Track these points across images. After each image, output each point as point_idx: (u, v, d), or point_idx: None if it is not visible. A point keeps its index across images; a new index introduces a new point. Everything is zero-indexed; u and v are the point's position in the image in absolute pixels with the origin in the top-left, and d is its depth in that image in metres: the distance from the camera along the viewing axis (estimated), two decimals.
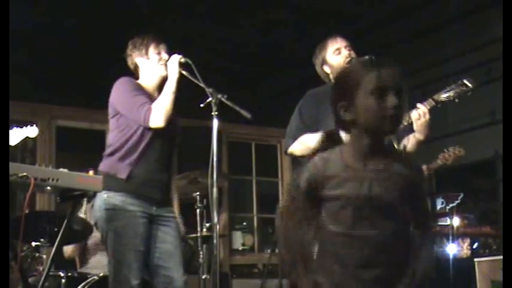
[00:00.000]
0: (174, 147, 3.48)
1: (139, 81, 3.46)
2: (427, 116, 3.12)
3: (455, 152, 4.79)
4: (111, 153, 3.33)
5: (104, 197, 3.24)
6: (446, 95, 3.18)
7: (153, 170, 3.32)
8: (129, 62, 3.48)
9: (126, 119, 3.32)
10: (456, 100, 3.19)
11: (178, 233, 3.41)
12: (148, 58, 3.42)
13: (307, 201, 1.98)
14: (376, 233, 1.90)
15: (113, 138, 3.36)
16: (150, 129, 3.27)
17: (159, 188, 3.35)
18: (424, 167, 4.60)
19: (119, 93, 3.35)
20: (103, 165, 3.34)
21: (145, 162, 3.30)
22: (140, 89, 3.37)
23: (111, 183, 3.20)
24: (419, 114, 3.12)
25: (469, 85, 3.17)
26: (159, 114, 3.23)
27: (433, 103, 3.15)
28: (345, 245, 1.91)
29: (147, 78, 3.45)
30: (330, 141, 2.01)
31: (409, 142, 3.22)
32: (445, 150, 4.79)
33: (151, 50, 3.42)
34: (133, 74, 3.50)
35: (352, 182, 1.91)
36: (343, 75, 2.01)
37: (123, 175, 3.25)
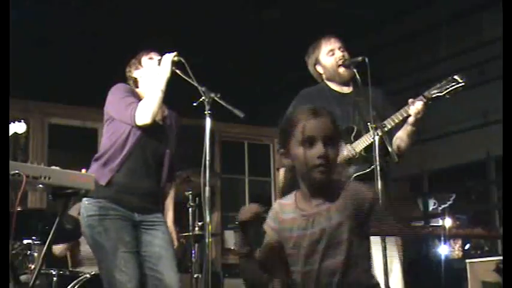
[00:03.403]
0: (164, 156, 3.41)
1: (138, 89, 3.46)
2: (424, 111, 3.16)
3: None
4: (96, 159, 3.34)
5: (85, 204, 3.24)
6: (437, 91, 3.18)
7: (133, 177, 3.29)
8: (130, 82, 3.48)
9: (115, 124, 3.33)
10: (447, 96, 3.18)
11: (167, 235, 3.35)
12: (142, 66, 3.44)
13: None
14: (327, 264, 1.95)
15: (102, 143, 3.38)
16: (138, 128, 3.25)
17: (139, 196, 3.30)
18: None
19: (110, 97, 3.37)
20: (89, 170, 3.32)
21: (125, 169, 3.28)
22: (132, 92, 3.37)
23: None
24: (417, 109, 3.14)
25: (460, 81, 3.16)
26: (145, 111, 3.22)
27: (425, 100, 3.15)
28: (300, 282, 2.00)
29: (147, 86, 3.43)
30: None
31: (404, 135, 3.24)
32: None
33: (143, 58, 3.45)
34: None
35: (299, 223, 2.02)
36: (283, 123, 2.10)
37: (103, 181, 3.23)
